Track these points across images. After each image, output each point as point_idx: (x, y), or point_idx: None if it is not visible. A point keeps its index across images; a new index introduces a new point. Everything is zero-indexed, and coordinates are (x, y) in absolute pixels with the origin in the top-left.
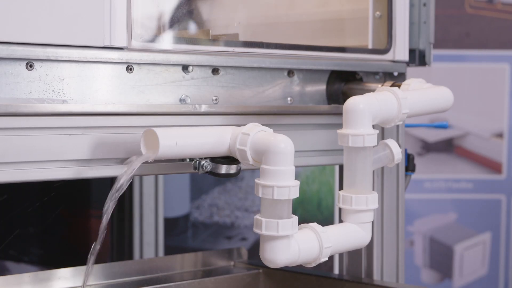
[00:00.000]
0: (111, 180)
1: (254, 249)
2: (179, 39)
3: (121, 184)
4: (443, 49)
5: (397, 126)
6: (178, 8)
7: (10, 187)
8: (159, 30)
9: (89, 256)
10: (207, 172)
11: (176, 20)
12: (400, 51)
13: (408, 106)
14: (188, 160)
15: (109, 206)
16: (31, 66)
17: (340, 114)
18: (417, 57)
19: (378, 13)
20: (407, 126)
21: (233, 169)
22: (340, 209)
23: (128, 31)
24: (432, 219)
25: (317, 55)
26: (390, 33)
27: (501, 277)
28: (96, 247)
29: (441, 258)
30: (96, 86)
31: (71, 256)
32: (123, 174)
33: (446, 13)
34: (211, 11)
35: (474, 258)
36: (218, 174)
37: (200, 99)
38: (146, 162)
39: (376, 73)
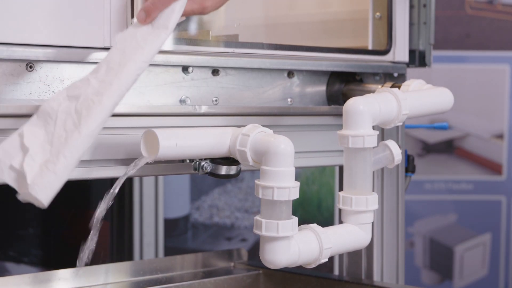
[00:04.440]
0: (111, 181)
1: (254, 250)
2: (179, 40)
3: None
4: (443, 50)
5: (397, 127)
6: None
7: (9, 187)
8: None
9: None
10: (207, 173)
11: None
12: (400, 52)
13: (408, 107)
14: (188, 161)
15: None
16: (31, 67)
17: (340, 115)
18: (417, 58)
19: (378, 14)
20: (407, 127)
21: (233, 170)
22: (340, 210)
23: None
24: (432, 220)
25: (317, 56)
26: (390, 34)
27: (501, 278)
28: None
29: (441, 259)
30: None
31: (71, 257)
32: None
33: (446, 14)
34: None
35: (474, 259)
36: (218, 175)
37: (200, 100)
38: (147, 163)
39: (376, 74)
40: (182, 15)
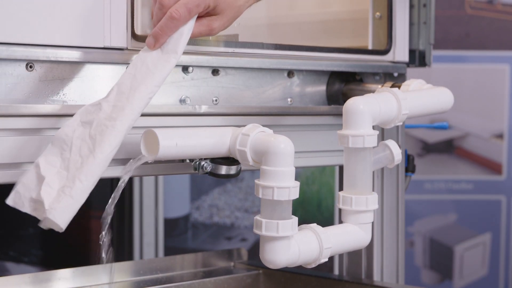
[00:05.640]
0: (111, 181)
1: (254, 250)
2: None
3: (119, 185)
4: (443, 50)
5: (397, 127)
6: None
7: (10, 187)
8: None
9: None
10: (207, 173)
11: None
12: (400, 51)
13: (408, 107)
14: (188, 160)
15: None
16: (31, 67)
17: (340, 114)
18: (417, 58)
19: (378, 14)
20: (407, 127)
21: (233, 169)
22: (340, 209)
23: (128, 31)
24: (432, 220)
25: (317, 56)
26: (390, 34)
27: (501, 278)
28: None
29: (441, 259)
30: (96, 87)
31: (71, 256)
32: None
33: (446, 13)
34: None
35: (474, 259)
36: (218, 175)
37: (200, 100)
38: (146, 163)
39: (376, 74)
40: (190, 38)
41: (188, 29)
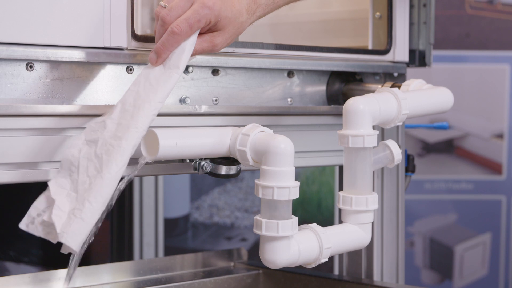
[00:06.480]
0: None
1: (254, 249)
2: None
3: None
4: (443, 50)
5: (397, 126)
6: None
7: (10, 187)
8: None
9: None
10: (207, 173)
11: None
12: (400, 51)
13: (408, 107)
14: (188, 160)
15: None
16: (31, 66)
17: (340, 114)
18: (417, 58)
19: (378, 13)
20: (407, 126)
21: (233, 169)
22: (340, 209)
23: (128, 31)
24: (432, 220)
25: (317, 56)
26: (390, 34)
27: (501, 278)
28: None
29: (441, 259)
30: (96, 87)
31: (71, 256)
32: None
33: (446, 13)
34: None
35: (474, 259)
36: (218, 174)
37: (200, 100)
38: (146, 163)
39: (376, 74)
40: (193, 54)
41: (190, 44)
